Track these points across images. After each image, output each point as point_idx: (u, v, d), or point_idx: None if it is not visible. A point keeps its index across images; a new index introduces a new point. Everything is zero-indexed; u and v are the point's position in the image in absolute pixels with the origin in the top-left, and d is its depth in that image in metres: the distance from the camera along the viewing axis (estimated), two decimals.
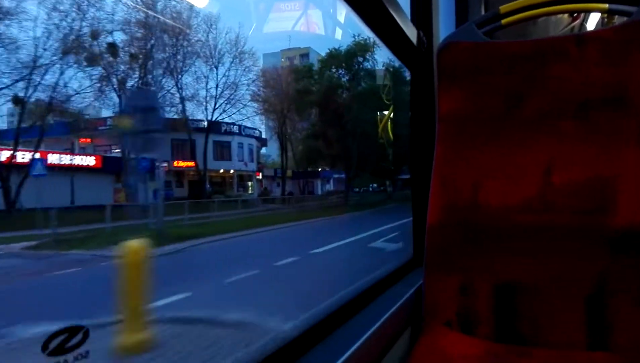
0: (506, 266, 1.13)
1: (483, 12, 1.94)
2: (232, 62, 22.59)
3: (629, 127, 1.07)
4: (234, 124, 24.17)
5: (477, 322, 1.14)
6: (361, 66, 25.98)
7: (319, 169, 29.45)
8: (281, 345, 0.87)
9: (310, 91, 25.73)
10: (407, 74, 1.63)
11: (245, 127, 25.25)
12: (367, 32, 1.32)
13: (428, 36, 1.55)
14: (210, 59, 21.86)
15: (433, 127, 1.29)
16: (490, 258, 1.15)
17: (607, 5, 1.16)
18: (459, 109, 1.24)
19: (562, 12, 1.29)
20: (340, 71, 26.38)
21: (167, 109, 20.04)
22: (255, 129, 26.80)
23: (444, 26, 1.62)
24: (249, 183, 26.72)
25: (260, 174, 28.06)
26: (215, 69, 22.08)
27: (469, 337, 1.13)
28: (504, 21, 1.24)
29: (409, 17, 1.48)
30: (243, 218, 16.78)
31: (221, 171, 24.42)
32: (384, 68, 21.82)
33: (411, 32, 1.41)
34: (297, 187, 29.45)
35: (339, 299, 1.12)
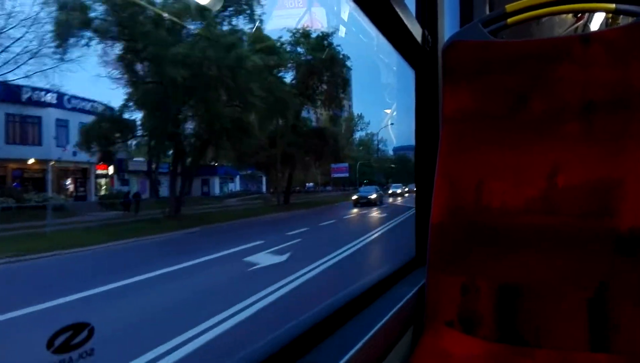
0: (509, 267, 1.13)
1: (488, 11, 1.94)
2: None
3: (634, 128, 1.07)
4: (47, 90, 14.64)
5: (479, 322, 1.14)
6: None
7: (214, 164, 22.19)
8: (284, 343, 0.87)
9: None
10: None
11: (74, 97, 15.90)
12: (372, 30, 1.31)
13: (433, 35, 1.54)
14: None
15: (437, 127, 1.29)
16: (493, 258, 1.15)
17: (614, 5, 1.15)
18: (463, 108, 1.23)
19: (568, 11, 1.29)
20: None
21: None
22: (94, 101, 16.36)
23: (449, 25, 1.61)
24: (102, 181, 18.22)
25: (113, 168, 18.02)
26: None
27: (471, 337, 1.13)
28: (509, 20, 1.24)
29: (414, 16, 1.47)
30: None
31: (30, 161, 15.21)
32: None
33: (416, 31, 1.40)
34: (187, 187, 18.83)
35: (341, 298, 1.12)
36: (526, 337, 1.09)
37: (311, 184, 33.84)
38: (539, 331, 1.08)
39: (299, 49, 21.03)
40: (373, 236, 12.55)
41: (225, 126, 15.88)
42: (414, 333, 1.25)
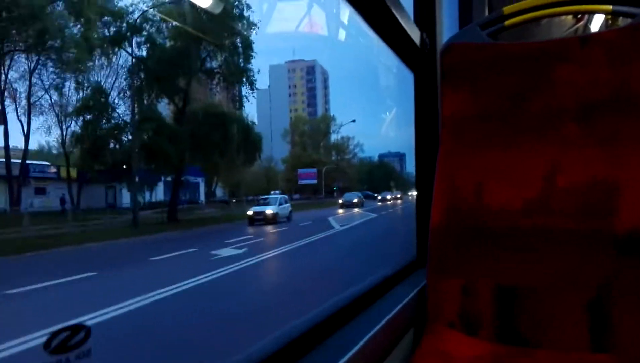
0: (509, 268, 1.13)
1: (487, 14, 1.95)
2: None
3: (633, 129, 1.07)
4: None
5: (479, 323, 1.13)
6: None
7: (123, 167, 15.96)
8: (283, 344, 0.87)
9: None
10: None
11: None
12: (370, 33, 1.31)
13: (431, 37, 1.54)
14: None
15: (436, 129, 1.29)
16: (493, 260, 1.15)
17: (611, 7, 1.16)
18: (462, 111, 1.23)
19: (566, 13, 1.29)
20: None
21: None
22: None
23: (447, 27, 1.62)
24: None
25: None
26: None
27: (472, 338, 1.13)
28: (507, 22, 1.24)
29: (412, 19, 1.47)
30: None
31: None
32: None
33: (414, 34, 1.40)
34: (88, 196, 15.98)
35: (342, 299, 1.12)
36: (527, 337, 1.09)
37: (277, 191, 29.82)
38: (540, 331, 1.08)
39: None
40: None
41: None
42: (414, 334, 1.25)
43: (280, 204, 19.37)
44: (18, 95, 13.94)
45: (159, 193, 19.39)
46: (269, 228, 16.79)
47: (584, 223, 1.07)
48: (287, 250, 11.34)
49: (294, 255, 10.69)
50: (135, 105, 15.63)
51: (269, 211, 18.26)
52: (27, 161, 14.03)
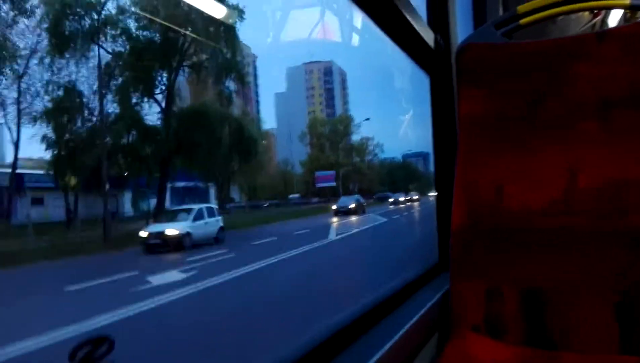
0: (532, 270, 1.12)
1: (501, 13, 1.93)
2: None
3: None
4: None
5: (505, 327, 1.12)
6: None
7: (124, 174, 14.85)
8: (307, 350, 0.87)
9: None
10: None
11: None
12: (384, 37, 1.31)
13: (445, 39, 1.54)
14: None
15: (454, 130, 1.29)
16: (515, 262, 1.14)
17: (628, 1, 1.14)
18: (479, 111, 1.23)
19: (583, 9, 1.27)
20: None
21: None
22: None
23: (461, 28, 1.61)
24: None
25: None
26: None
27: (498, 341, 1.12)
28: (522, 21, 1.23)
29: (426, 21, 1.47)
30: None
31: None
32: None
33: (428, 36, 1.40)
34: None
35: (365, 304, 1.12)
36: (554, 340, 1.08)
37: (296, 195, 30.45)
38: (567, 334, 1.07)
39: None
40: None
41: None
42: (439, 338, 1.24)
43: (197, 218, 12.46)
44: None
45: (165, 200, 16.49)
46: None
47: (608, 222, 1.06)
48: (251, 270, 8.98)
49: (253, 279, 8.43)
50: (115, 105, 14.10)
51: (170, 231, 11.26)
52: (22, 171, 13.14)
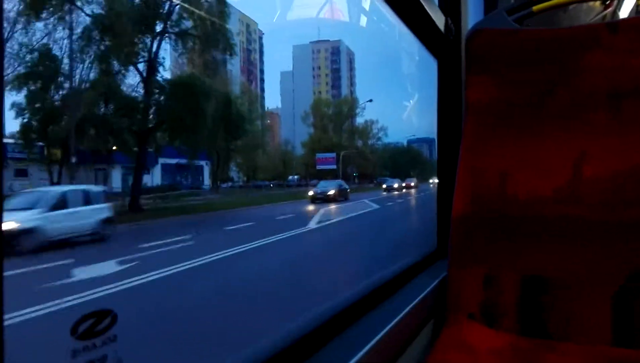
0: (533, 258, 1.12)
1: None
2: None
3: None
4: None
5: (501, 315, 1.13)
6: None
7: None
8: (303, 334, 0.87)
9: None
10: None
11: None
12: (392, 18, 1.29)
13: (456, 23, 1.51)
14: None
15: (460, 117, 1.27)
16: (517, 250, 1.13)
17: None
18: (487, 98, 1.21)
19: None
20: None
21: None
22: None
23: (472, 13, 1.58)
24: None
25: None
26: None
27: (493, 330, 1.12)
28: (535, 8, 1.21)
29: (437, 3, 1.45)
30: None
31: None
32: None
33: (438, 19, 1.38)
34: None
35: (362, 289, 1.12)
36: (550, 330, 1.08)
37: (295, 176, 28.75)
38: (564, 324, 1.07)
39: None
40: None
41: None
42: (434, 325, 1.24)
43: (57, 206, 8.14)
44: None
45: (156, 177, 15.89)
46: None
47: (612, 212, 1.05)
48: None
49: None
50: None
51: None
52: (7, 141, 11.50)
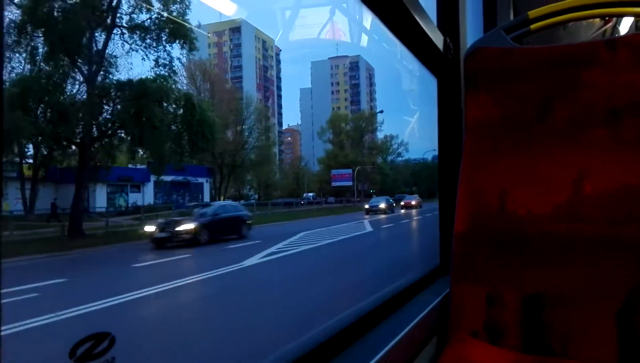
0: (534, 276, 1.11)
1: (512, 17, 1.91)
2: None
3: None
4: None
5: (504, 333, 1.12)
6: None
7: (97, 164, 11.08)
8: (305, 352, 0.88)
9: None
10: None
11: None
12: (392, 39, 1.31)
13: (455, 42, 1.53)
14: None
15: (460, 135, 1.28)
16: (518, 267, 1.13)
17: (639, 9, 1.13)
18: (486, 116, 1.22)
19: (594, 16, 1.26)
20: None
21: None
22: None
23: (471, 32, 1.60)
24: None
25: None
26: None
27: (496, 347, 1.12)
28: (532, 26, 1.22)
29: (435, 23, 1.47)
30: None
31: None
32: None
33: (437, 38, 1.40)
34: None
35: (364, 306, 1.12)
36: (553, 347, 1.07)
37: (310, 194, 27.25)
38: (566, 341, 1.06)
39: None
40: None
41: None
42: (437, 342, 1.24)
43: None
44: None
45: (149, 195, 14.37)
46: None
47: (612, 229, 1.05)
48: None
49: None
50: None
51: None
52: None
